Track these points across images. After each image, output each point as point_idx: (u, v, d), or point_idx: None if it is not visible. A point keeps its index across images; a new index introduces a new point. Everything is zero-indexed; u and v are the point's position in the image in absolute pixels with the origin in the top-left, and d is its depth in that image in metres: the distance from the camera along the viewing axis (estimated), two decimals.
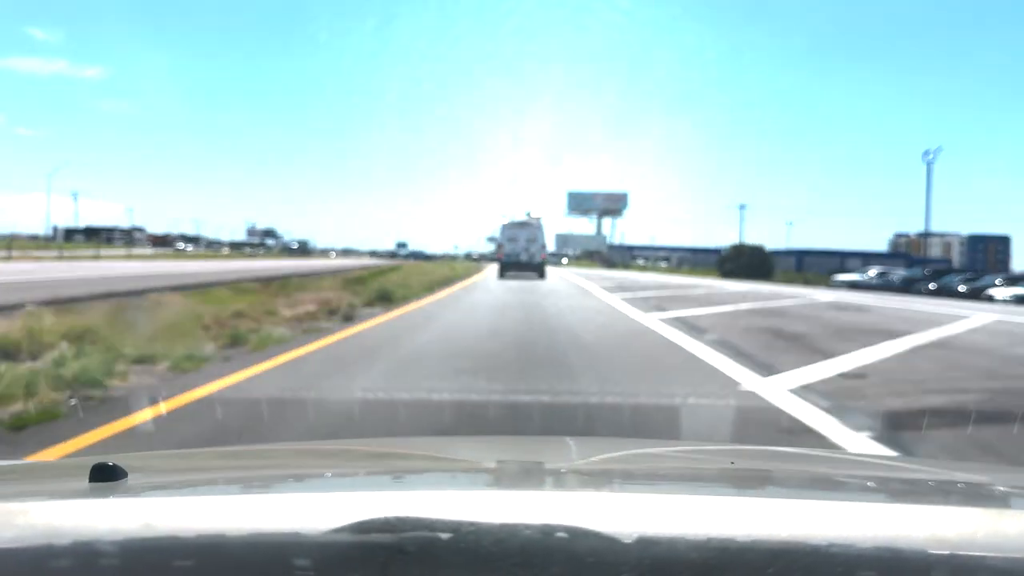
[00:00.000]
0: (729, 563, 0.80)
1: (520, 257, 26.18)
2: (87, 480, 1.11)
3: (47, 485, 1.29)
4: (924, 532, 0.89)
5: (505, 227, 28.35)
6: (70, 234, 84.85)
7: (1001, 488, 1.46)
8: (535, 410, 5.36)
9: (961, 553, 0.84)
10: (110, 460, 1.15)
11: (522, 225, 27.41)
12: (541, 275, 26.92)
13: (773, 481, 1.48)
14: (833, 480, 1.53)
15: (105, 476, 1.11)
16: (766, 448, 2.85)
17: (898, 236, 55.05)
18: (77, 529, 0.88)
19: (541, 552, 0.80)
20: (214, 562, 0.83)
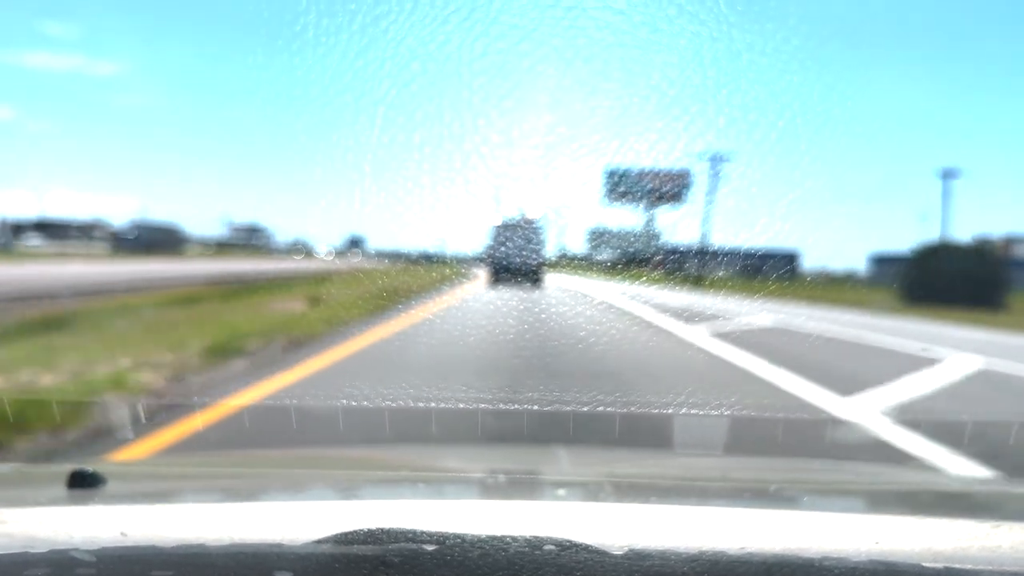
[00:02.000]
0: None
1: (512, 263, 23.65)
2: (65, 487, 1.09)
3: (24, 492, 1.27)
4: (919, 545, 0.87)
5: (496, 228, 26.07)
6: (19, 229, 79.31)
7: (996, 499, 1.45)
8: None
9: (956, 566, 0.83)
10: (88, 467, 1.12)
11: (515, 227, 24.70)
12: (537, 283, 24.84)
13: (767, 492, 1.47)
14: (827, 491, 1.51)
15: (83, 483, 1.09)
16: (760, 459, 2.84)
17: (978, 241, 46.13)
18: (54, 537, 0.86)
19: (529, 565, 0.78)
20: (194, 572, 0.81)
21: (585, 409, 5.92)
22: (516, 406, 5.87)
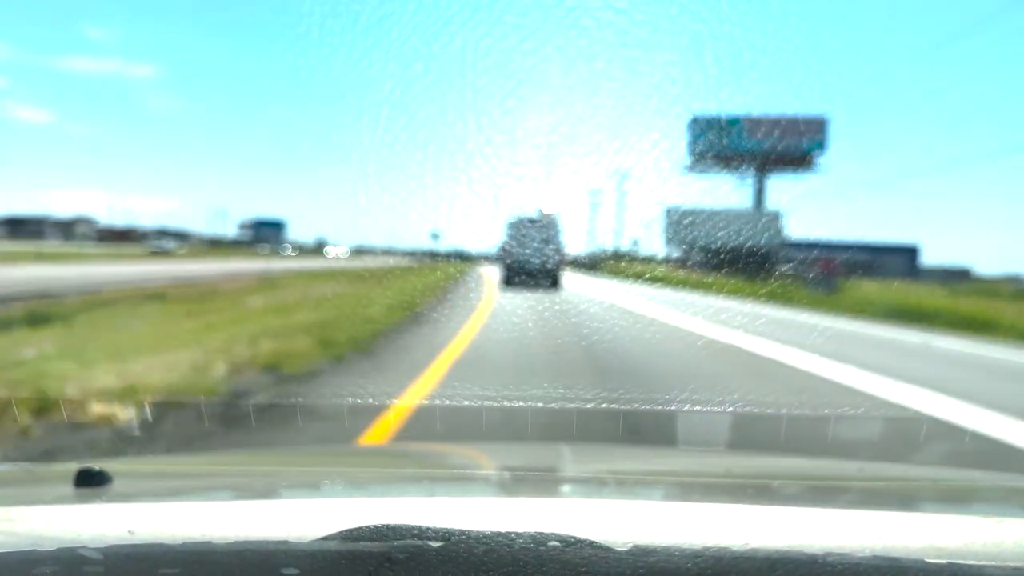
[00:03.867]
0: (725, 572, 0.79)
1: (529, 263, 20.86)
2: (72, 485, 1.10)
3: (31, 490, 1.28)
4: (922, 541, 0.88)
5: (511, 225, 23.01)
6: None
7: (999, 495, 1.45)
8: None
9: (959, 562, 0.83)
10: (96, 465, 1.13)
11: (533, 223, 22.02)
12: (555, 284, 21.98)
13: (770, 489, 1.47)
14: (831, 488, 1.52)
15: (90, 481, 1.10)
16: (763, 455, 2.84)
17: None
18: (61, 535, 0.87)
19: (533, 561, 0.78)
20: (200, 570, 0.81)
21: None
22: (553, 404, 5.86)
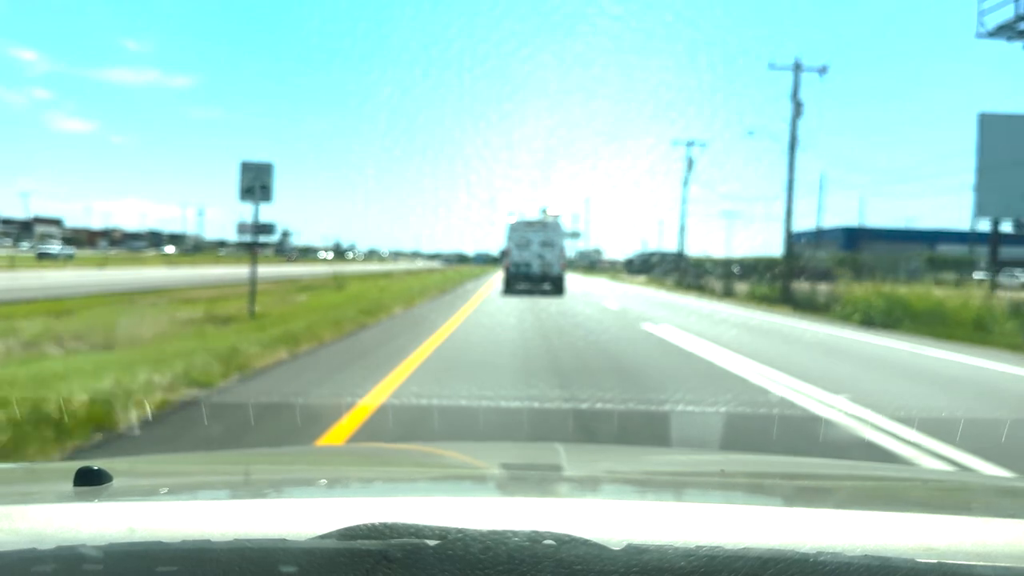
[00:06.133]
0: (718, 571, 0.80)
1: (532, 267, 20.63)
2: (72, 484, 1.11)
3: (31, 489, 1.28)
4: (913, 540, 0.89)
5: (513, 227, 22.60)
6: None
7: (989, 495, 1.47)
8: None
9: (949, 562, 0.84)
10: (95, 464, 1.14)
11: (534, 225, 21.65)
12: (558, 290, 20.00)
13: (762, 489, 1.48)
14: (822, 488, 1.53)
15: (90, 480, 1.11)
16: (756, 456, 2.86)
17: None
18: (61, 534, 0.87)
19: (529, 560, 0.79)
20: (199, 568, 0.82)
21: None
22: (517, 403, 5.90)
